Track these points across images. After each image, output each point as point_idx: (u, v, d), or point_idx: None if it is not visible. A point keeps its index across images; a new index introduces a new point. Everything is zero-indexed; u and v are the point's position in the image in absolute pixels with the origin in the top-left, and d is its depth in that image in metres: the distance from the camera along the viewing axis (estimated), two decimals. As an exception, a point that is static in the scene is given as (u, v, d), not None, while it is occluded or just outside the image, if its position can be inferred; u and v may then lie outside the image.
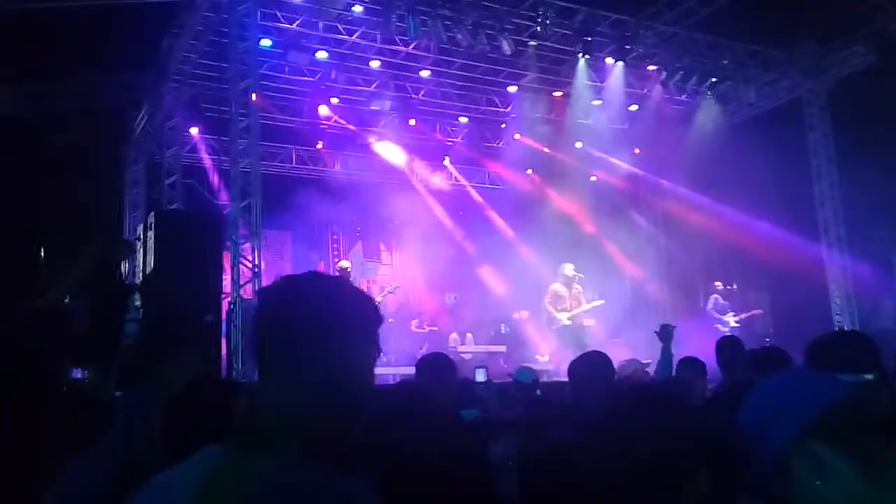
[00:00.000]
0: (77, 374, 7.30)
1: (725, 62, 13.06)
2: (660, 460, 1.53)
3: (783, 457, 1.33)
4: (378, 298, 11.41)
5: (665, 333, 5.47)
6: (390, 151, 15.83)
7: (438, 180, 17.08)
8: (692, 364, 4.94)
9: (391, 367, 12.88)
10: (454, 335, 14.26)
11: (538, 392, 5.35)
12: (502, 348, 13.47)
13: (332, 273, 12.96)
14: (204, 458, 1.23)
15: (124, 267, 9.43)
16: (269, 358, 1.26)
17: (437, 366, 4.15)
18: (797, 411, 1.33)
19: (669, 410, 1.64)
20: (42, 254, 8.70)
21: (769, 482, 1.37)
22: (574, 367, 4.10)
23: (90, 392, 4.12)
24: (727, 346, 5.10)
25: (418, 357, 4.55)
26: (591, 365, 4.06)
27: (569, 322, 11.20)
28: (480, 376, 7.73)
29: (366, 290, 10.57)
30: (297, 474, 1.14)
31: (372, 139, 15.48)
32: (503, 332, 14.69)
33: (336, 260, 15.40)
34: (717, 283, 13.28)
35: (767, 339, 11.99)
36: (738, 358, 4.64)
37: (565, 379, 4.53)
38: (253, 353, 1.28)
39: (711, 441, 1.60)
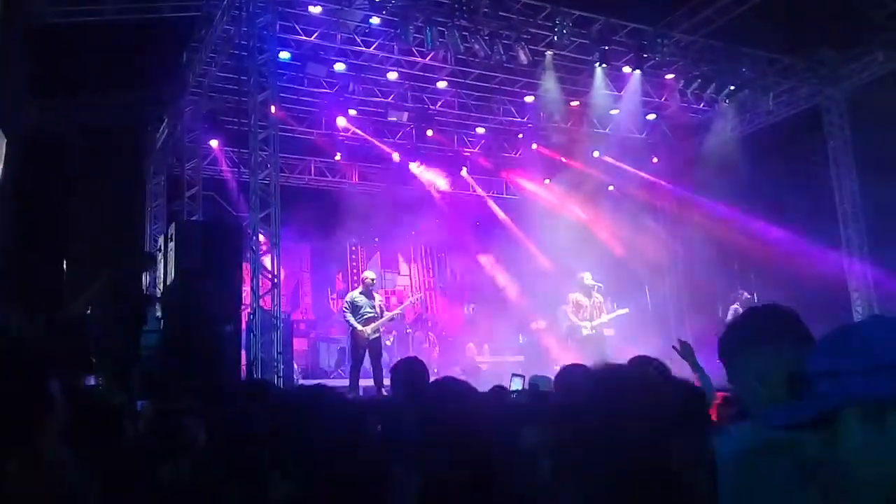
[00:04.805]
0: (91, 380, 7.42)
1: (743, 70, 12.98)
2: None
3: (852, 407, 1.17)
4: (400, 309, 11.48)
5: (686, 351, 5.31)
6: (426, 174, 16.00)
7: (456, 191, 17.12)
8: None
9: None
10: (471, 345, 14.27)
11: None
12: (520, 358, 13.45)
13: (349, 284, 13.02)
14: None
15: (146, 278, 9.54)
16: None
17: (410, 373, 4.23)
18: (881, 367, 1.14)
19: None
20: (65, 265, 8.81)
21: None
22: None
23: (102, 398, 4.23)
24: None
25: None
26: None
27: (592, 331, 11.16)
28: (517, 384, 7.65)
29: (385, 300, 10.62)
30: None
31: (397, 156, 15.57)
32: (521, 342, 14.68)
33: (355, 271, 15.49)
34: (741, 291, 13.14)
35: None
36: None
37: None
38: None
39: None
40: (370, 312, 10.13)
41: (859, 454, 1.17)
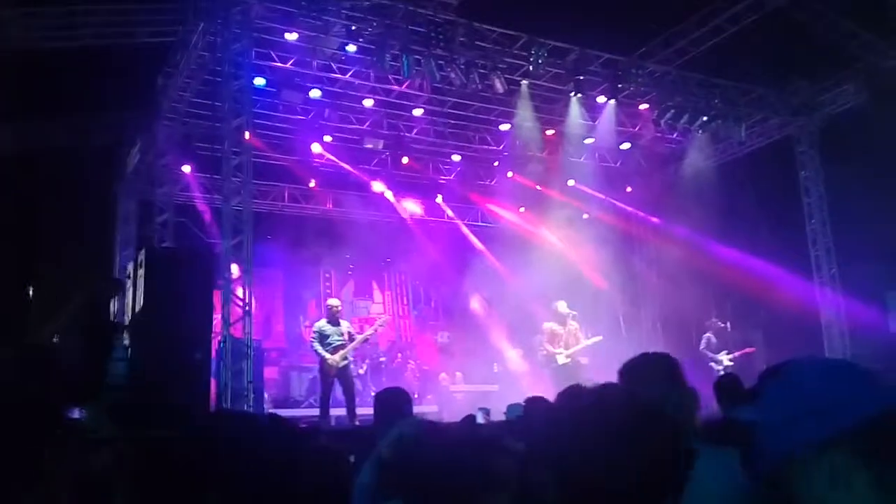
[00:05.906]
0: (75, 413, 7.20)
1: (716, 101, 13.15)
2: None
3: (792, 458, 1.19)
4: (368, 333, 11.32)
5: None
6: (401, 202, 16.02)
7: (431, 218, 17.08)
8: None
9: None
10: (444, 375, 14.14)
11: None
12: (495, 387, 13.33)
13: (322, 311, 12.90)
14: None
15: (113, 305, 9.34)
16: None
17: (395, 404, 4.14)
18: (835, 410, 1.16)
19: None
20: (31, 292, 8.61)
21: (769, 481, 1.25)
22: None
23: (89, 431, 4.05)
24: (728, 385, 4.97)
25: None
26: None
27: (567, 360, 11.08)
28: (480, 418, 7.41)
29: (357, 328, 10.50)
30: None
31: (373, 183, 15.52)
32: (495, 370, 14.57)
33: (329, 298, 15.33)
34: (714, 319, 13.21)
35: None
36: (739, 396, 4.53)
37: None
38: None
39: None
40: (338, 340, 10.04)
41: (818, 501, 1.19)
